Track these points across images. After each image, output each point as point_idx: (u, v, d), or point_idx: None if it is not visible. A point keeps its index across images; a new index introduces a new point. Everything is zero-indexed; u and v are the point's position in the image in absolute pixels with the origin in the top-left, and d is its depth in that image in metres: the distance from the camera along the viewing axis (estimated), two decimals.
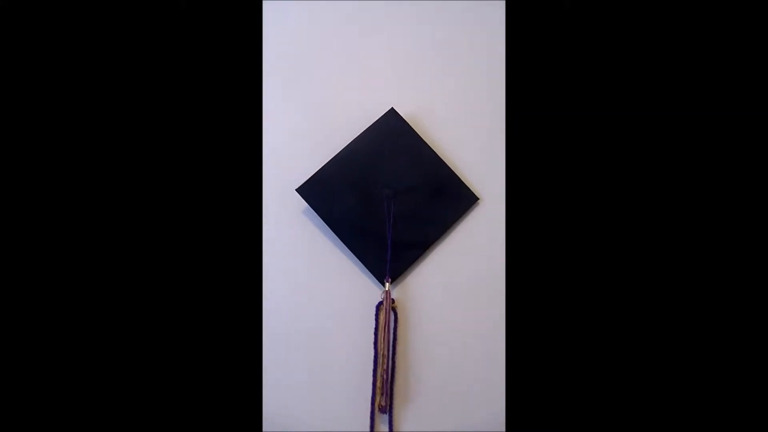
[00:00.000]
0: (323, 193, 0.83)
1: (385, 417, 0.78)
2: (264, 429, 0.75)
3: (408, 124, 0.85)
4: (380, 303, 0.80)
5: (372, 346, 0.79)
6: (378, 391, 0.77)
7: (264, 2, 0.87)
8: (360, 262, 0.82)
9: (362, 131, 0.84)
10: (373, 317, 0.80)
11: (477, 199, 0.84)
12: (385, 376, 0.78)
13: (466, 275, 0.82)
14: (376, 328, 0.79)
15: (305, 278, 0.82)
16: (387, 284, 0.80)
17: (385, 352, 0.78)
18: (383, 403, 0.77)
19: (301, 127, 0.87)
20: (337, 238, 0.82)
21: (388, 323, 0.79)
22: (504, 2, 0.86)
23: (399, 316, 0.81)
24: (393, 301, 0.81)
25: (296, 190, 0.83)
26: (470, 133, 0.87)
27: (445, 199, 0.84)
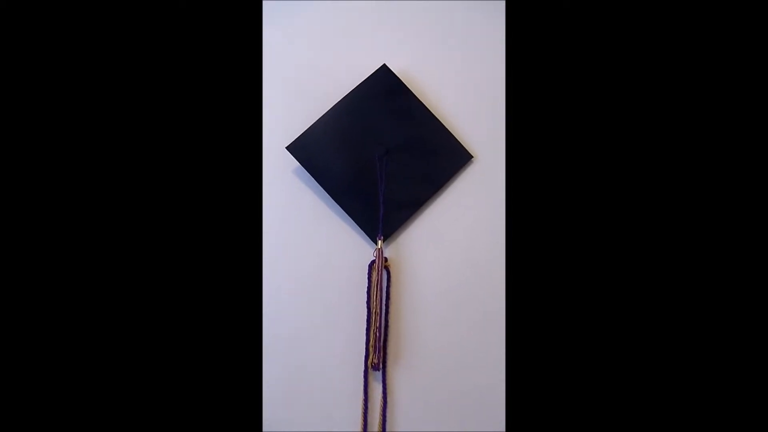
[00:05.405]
0: (314, 150, 0.81)
1: (379, 374, 0.77)
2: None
3: (401, 81, 0.83)
4: (373, 262, 0.79)
5: (365, 304, 0.78)
6: (371, 349, 0.77)
7: None
8: (352, 221, 0.81)
9: (353, 88, 0.82)
10: (366, 276, 0.79)
11: (471, 157, 0.83)
12: (377, 335, 0.77)
13: (460, 234, 0.82)
14: (369, 287, 0.79)
15: (297, 237, 0.81)
16: (379, 243, 0.80)
17: (378, 311, 0.78)
18: (376, 361, 0.77)
19: (293, 84, 0.85)
20: (328, 196, 0.81)
21: (380, 282, 0.79)
22: None
23: (392, 274, 0.80)
24: (386, 259, 0.80)
25: (286, 148, 0.81)
26: (466, 90, 0.85)
27: (439, 156, 0.82)
